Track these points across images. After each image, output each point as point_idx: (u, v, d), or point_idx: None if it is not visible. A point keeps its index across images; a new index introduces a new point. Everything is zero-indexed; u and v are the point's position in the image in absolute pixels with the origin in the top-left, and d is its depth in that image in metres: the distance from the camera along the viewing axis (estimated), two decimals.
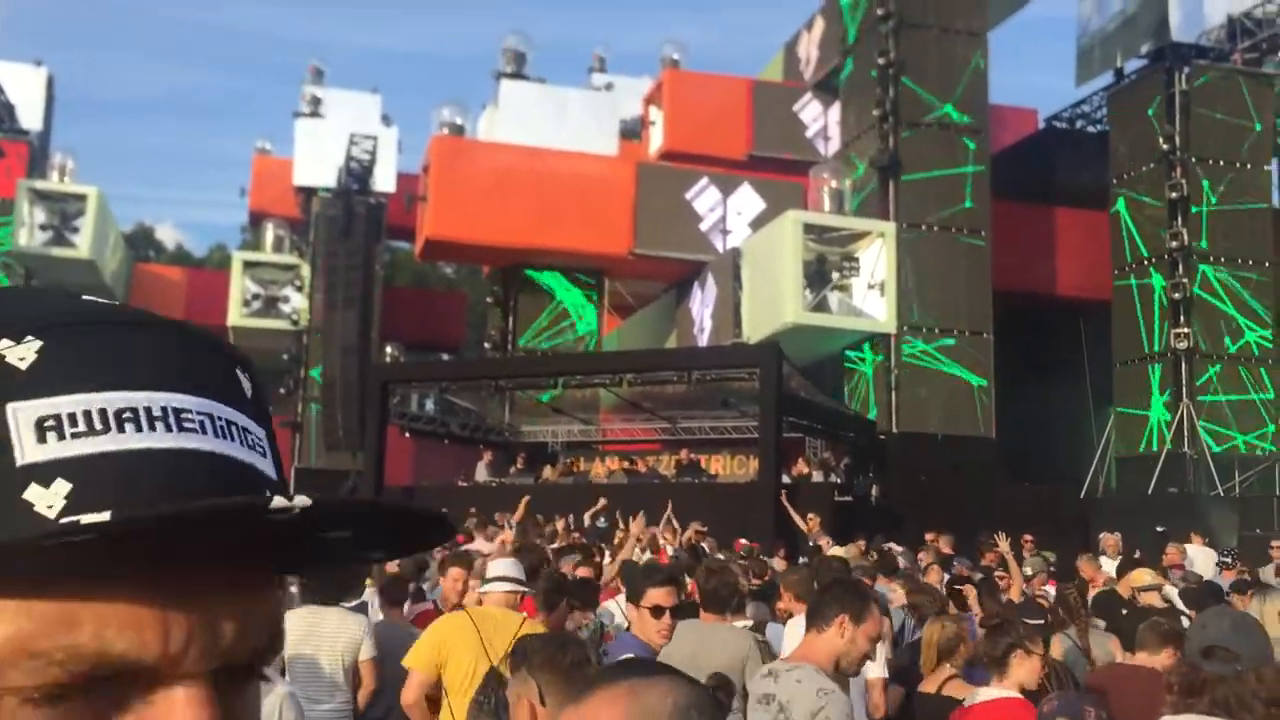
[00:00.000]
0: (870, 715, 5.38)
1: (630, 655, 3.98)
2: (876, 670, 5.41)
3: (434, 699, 4.66)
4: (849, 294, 23.71)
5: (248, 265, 34.36)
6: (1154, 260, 23.45)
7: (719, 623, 5.31)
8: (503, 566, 5.16)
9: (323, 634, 5.61)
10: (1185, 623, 4.94)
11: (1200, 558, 13.39)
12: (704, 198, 28.08)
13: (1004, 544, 10.18)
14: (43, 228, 30.78)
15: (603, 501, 13.80)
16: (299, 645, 5.62)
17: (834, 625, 3.60)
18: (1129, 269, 24.05)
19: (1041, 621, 5.38)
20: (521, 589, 5.04)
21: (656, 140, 30.62)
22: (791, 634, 5.58)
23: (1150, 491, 21.35)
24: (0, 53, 33.97)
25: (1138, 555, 11.51)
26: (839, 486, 18.71)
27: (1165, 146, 23.32)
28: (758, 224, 26.95)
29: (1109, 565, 11.74)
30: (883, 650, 5.46)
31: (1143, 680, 4.50)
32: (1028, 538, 13.94)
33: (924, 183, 23.55)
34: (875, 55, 23.99)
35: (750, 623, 6.29)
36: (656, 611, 4.32)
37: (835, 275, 23.60)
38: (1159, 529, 15.16)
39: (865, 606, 3.64)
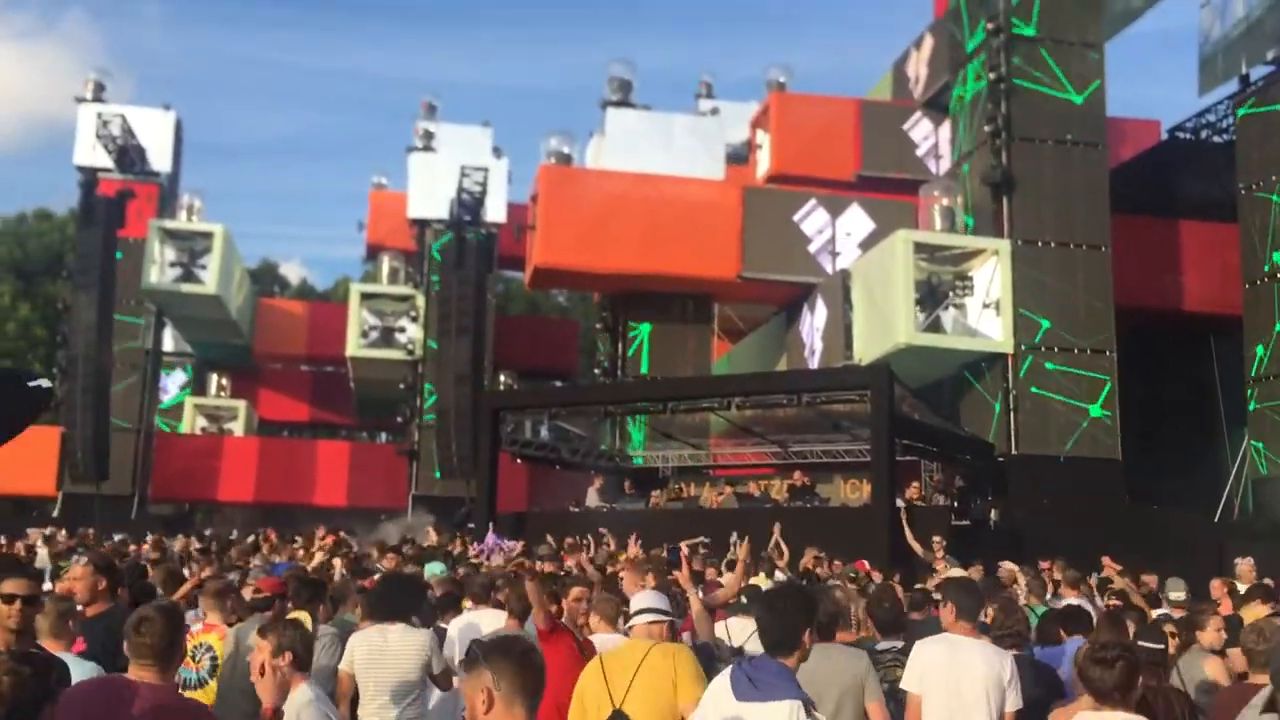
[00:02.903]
0: None
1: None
2: (1014, 703, 5.24)
3: None
4: (964, 313, 23.23)
5: (365, 297, 35.27)
6: None
7: (831, 645, 5.31)
8: (644, 599, 5.15)
9: (387, 650, 5.90)
10: None
11: None
12: (812, 219, 27.88)
13: (1114, 571, 9.71)
14: (172, 265, 32.09)
15: (702, 537, 13.73)
16: (368, 662, 5.91)
17: None
18: (1261, 281, 23.06)
19: (1161, 646, 5.16)
20: (664, 618, 5.03)
21: (764, 163, 30.54)
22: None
23: None
24: (131, 99, 35.58)
25: (1267, 582, 10.94)
26: (956, 510, 18.28)
27: None
28: (868, 244, 26.64)
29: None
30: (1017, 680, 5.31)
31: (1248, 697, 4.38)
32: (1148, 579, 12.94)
33: (1039, 198, 23.00)
34: (986, 70, 23.58)
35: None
36: None
37: (949, 295, 23.16)
38: None
39: None
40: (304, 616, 5.31)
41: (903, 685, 5.31)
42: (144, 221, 31.59)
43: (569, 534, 15.49)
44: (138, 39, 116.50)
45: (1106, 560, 10.43)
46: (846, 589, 8.47)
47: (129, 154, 32.60)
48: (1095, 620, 7.02)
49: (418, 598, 6.55)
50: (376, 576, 9.09)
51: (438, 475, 31.02)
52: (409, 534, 21.67)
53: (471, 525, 20.72)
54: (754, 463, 24.37)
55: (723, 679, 4.02)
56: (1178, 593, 9.14)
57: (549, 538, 14.95)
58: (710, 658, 4.71)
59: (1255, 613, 6.07)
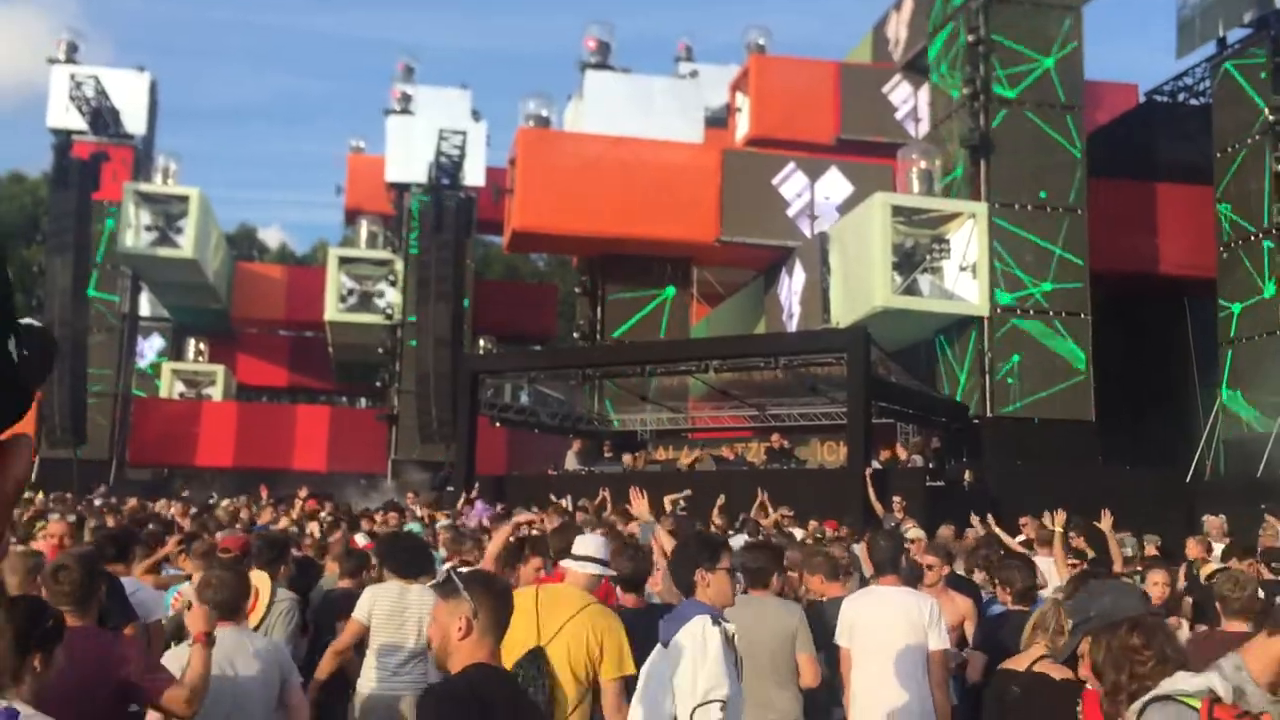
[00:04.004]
0: (933, 687, 5.36)
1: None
2: (937, 642, 5.39)
3: None
4: (940, 277, 23.32)
5: (343, 261, 35.12)
6: (1260, 235, 22.61)
7: (766, 596, 5.46)
8: (590, 545, 4.97)
9: (407, 609, 5.98)
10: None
11: None
12: (791, 183, 27.87)
13: (1107, 522, 9.87)
14: (147, 229, 31.84)
15: (686, 491, 13.86)
16: (386, 619, 5.97)
17: None
18: (1235, 245, 23.22)
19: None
20: (605, 571, 4.95)
21: (743, 126, 30.47)
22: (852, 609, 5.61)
23: (1259, 474, 20.60)
24: (104, 60, 35.10)
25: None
26: (931, 471, 18.46)
27: (1271, 117, 22.44)
28: (846, 208, 26.66)
29: (1215, 548, 11.41)
30: (944, 623, 5.48)
31: (1230, 645, 4.50)
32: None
33: (1016, 161, 23.05)
34: (965, 32, 23.55)
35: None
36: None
37: (926, 258, 23.24)
38: (1261, 506, 14.60)
39: None
40: (263, 576, 5.35)
41: (835, 640, 5.47)
42: (119, 184, 31.31)
43: (546, 497, 15.55)
44: (113, 1, 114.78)
45: (1103, 521, 10.36)
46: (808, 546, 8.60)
47: (103, 116, 32.22)
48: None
49: (431, 558, 6.65)
50: (386, 535, 9.18)
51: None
52: (392, 499, 21.76)
53: (450, 488, 20.80)
54: (732, 426, 24.51)
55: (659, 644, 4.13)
56: (1125, 549, 9.34)
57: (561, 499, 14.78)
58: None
59: (1207, 570, 6.22)
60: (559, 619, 4.52)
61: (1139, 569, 8.63)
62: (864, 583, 7.26)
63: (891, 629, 5.34)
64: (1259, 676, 2.89)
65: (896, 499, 14.57)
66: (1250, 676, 2.90)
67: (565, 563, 4.97)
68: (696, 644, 3.85)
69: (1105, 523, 9.81)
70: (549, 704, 4.34)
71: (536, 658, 4.40)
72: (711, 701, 3.77)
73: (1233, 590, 5.19)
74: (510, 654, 4.42)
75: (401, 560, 6.27)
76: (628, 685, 4.45)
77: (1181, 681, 2.75)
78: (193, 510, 15.33)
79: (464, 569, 3.22)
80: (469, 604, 2.99)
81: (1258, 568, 8.33)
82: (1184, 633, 6.63)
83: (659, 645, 4.11)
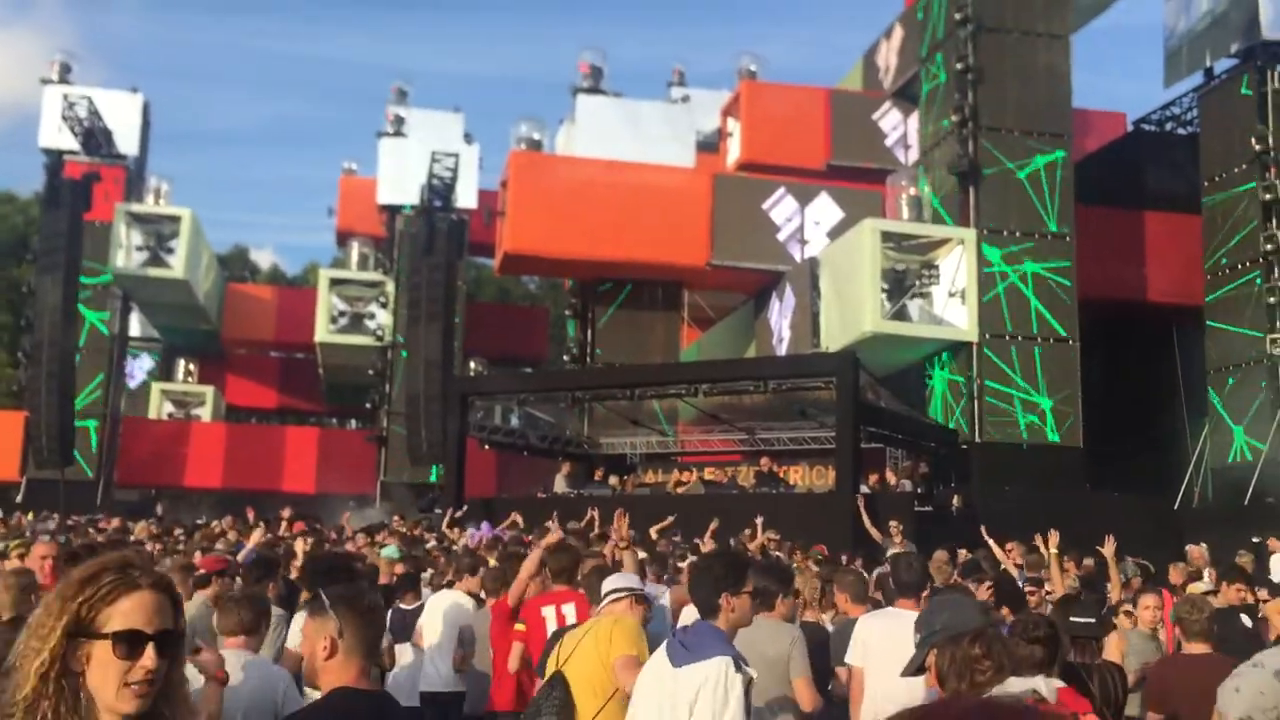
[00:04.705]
0: None
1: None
2: None
3: None
4: (929, 302, 23.41)
5: (334, 283, 35.06)
6: (1248, 263, 22.76)
7: (765, 620, 5.45)
8: (614, 581, 5.32)
9: None
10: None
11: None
12: (781, 208, 27.98)
13: (1109, 548, 9.86)
14: (139, 249, 31.77)
15: (670, 518, 13.88)
16: None
17: None
18: (1223, 273, 23.36)
19: (1092, 620, 5.24)
20: (624, 595, 5.15)
21: (734, 151, 30.61)
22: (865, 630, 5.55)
23: (1246, 502, 20.67)
24: (98, 81, 35.18)
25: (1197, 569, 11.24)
26: (919, 496, 18.46)
27: (1258, 147, 22.64)
28: (836, 233, 26.77)
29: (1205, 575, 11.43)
30: None
31: (1192, 667, 4.64)
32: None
33: (1005, 188, 23.19)
34: (954, 60, 23.73)
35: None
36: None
37: (915, 283, 23.33)
38: (1255, 539, 14.67)
39: None
40: None
41: (846, 659, 5.39)
42: (110, 205, 31.24)
43: (534, 520, 15.50)
44: (109, 26, 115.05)
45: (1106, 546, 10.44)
46: (808, 571, 8.59)
47: (95, 136, 32.21)
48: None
49: (351, 576, 6.62)
50: (309, 556, 9.18)
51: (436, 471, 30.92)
52: (382, 520, 21.66)
53: (437, 510, 20.70)
54: (721, 449, 24.48)
55: (660, 650, 4.10)
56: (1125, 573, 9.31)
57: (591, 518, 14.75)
58: None
59: (1194, 589, 6.23)
60: (575, 641, 4.76)
61: (1133, 594, 8.63)
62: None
63: (910, 652, 5.27)
64: None
65: (893, 523, 14.56)
66: None
67: (604, 606, 5.19)
68: (718, 691, 3.77)
69: (1108, 548, 9.81)
70: None
71: (552, 684, 4.58)
72: None
73: (1190, 613, 5.24)
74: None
75: (319, 582, 6.22)
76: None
77: (1009, 685, 3.06)
78: (178, 532, 15.25)
79: (338, 589, 3.24)
80: (334, 623, 2.94)
81: (1245, 594, 8.33)
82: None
83: (663, 656, 4.04)
